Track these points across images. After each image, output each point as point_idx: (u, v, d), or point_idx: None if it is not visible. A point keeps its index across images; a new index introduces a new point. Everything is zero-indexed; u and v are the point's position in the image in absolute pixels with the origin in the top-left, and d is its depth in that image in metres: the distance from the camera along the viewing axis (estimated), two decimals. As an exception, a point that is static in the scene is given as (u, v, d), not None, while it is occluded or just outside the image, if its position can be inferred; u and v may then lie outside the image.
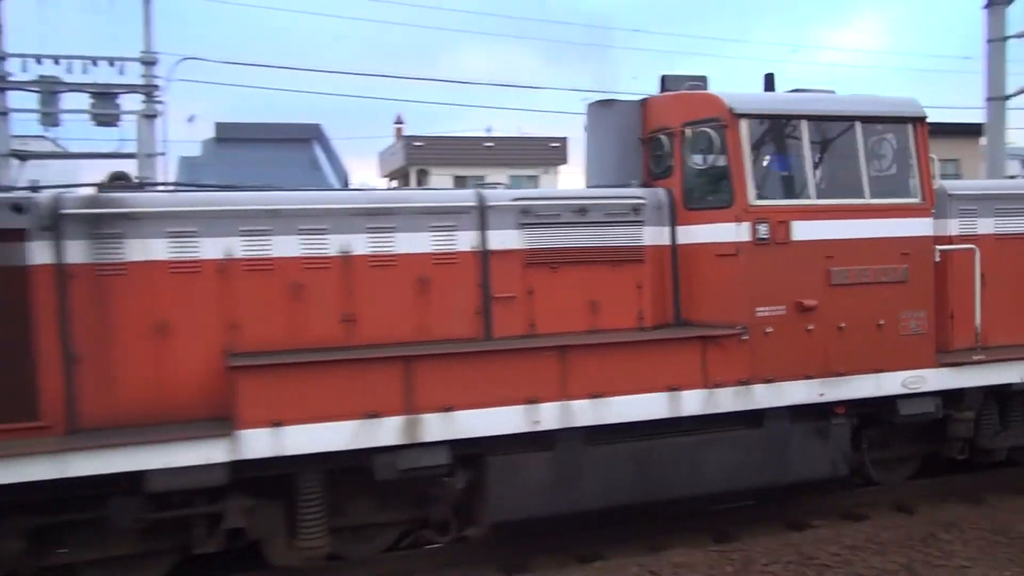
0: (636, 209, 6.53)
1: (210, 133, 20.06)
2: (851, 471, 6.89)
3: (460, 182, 25.63)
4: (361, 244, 5.91)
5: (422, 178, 29.97)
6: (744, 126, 6.31)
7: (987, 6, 14.56)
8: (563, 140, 33.13)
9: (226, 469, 5.21)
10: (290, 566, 5.73)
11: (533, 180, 31.39)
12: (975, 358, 6.93)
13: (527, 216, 6.28)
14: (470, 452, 5.77)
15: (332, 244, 5.86)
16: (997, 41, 14.44)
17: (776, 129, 6.62)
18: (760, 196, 6.36)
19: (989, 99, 14.63)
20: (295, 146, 19.38)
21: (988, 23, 14.50)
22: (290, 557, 5.68)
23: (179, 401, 5.51)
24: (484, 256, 6.16)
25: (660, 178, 6.87)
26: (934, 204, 6.82)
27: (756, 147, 6.50)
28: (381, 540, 6.14)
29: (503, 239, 6.20)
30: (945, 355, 6.87)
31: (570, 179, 33.53)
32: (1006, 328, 7.28)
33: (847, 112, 6.71)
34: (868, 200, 6.63)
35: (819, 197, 6.55)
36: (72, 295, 5.34)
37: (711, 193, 6.56)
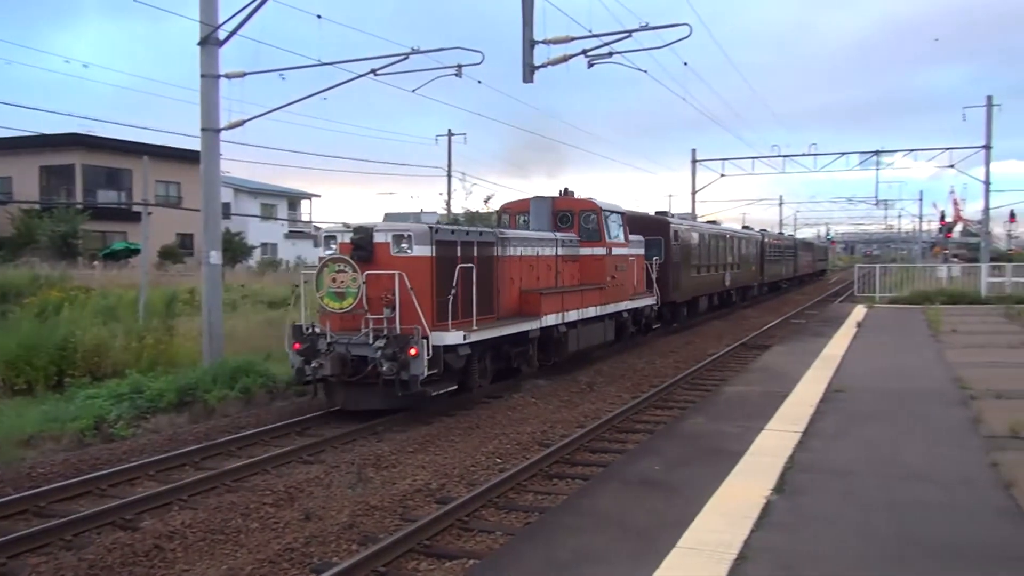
0: (576, 241, 17.68)
1: None
2: (618, 337, 19.34)
3: None
4: (541, 251, 15.98)
5: None
6: (604, 214, 18.22)
7: (201, 43, 14.93)
8: None
9: (537, 331, 14.94)
10: (530, 374, 15.56)
11: None
12: (638, 297, 20.34)
13: (563, 242, 16.97)
14: (569, 325, 16.25)
15: (537, 250, 15.81)
16: (210, 77, 15.03)
17: (609, 215, 18.44)
18: (609, 238, 18.23)
19: (203, 130, 15.19)
20: None
21: (202, 60, 14.99)
22: (528, 371, 15.43)
23: (509, 309, 14.65)
24: (556, 258, 16.67)
25: (564, 229, 17.81)
26: (629, 242, 19.71)
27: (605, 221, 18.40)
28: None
29: (559, 251, 16.80)
30: (635, 296, 20.04)
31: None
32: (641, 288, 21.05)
33: (618, 210, 19.19)
34: (620, 240, 19.07)
35: (621, 238, 18.90)
36: (497, 267, 14.15)
37: (592, 236, 18.01)
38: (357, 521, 7.73)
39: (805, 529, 6.23)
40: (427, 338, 11.58)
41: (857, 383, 12.66)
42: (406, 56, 15.14)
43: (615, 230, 18.76)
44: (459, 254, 12.77)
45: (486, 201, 43.94)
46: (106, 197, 46.89)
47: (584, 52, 15.40)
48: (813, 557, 5.68)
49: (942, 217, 74.59)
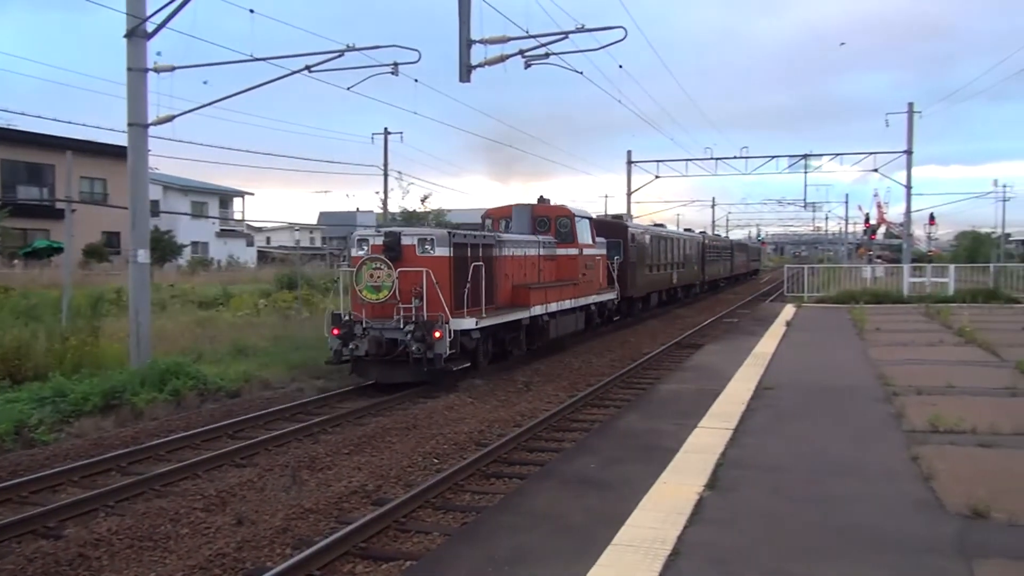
0: (553, 243, 19.00)
1: None
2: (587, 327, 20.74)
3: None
4: (527, 252, 17.29)
5: None
6: (576, 219, 19.59)
7: (128, 36, 14.40)
8: None
9: (527, 319, 16.29)
10: (521, 355, 16.94)
11: None
12: (602, 292, 21.84)
13: (543, 244, 18.28)
14: (550, 315, 17.61)
15: (524, 251, 17.13)
16: (138, 71, 14.60)
17: (580, 220, 19.92)
18: (580, 240, 19.58)
19: (131, 125, 14.70)
20: None
21: (129, 53, 14.50)
22: (518, 353, 16.78)
23: (504, 301, 15.98)
24: (539, 257, 17.91)
25: (542, 233, 19.14)
26: (596, 243, 21.14)
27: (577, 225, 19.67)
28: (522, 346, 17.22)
29: (540, 251, 18.10)
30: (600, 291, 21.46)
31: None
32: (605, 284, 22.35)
33: (587, 216, 20.79)
34: (588, 242, 20.54)
35: (589, 240, 20.38)
36: (496, 265, 15.39)
37: (567, 238, 19.44)
38: (291, 524, 7.60)
39: (737, 524, 6.35)
40: (448, 323, 13.75)
41: (786, 380, 12.97)
42: (341, 53, 14.90)
43: (585, 233, 20.85)
44: (469, 254, 14.85)
45: (423, 200, 43.71)
46: (27, 193, 45.24)
47: (521, 52, 15.44)
48: (744, 551, 5.80)
49: (867, 219, 77.21)
